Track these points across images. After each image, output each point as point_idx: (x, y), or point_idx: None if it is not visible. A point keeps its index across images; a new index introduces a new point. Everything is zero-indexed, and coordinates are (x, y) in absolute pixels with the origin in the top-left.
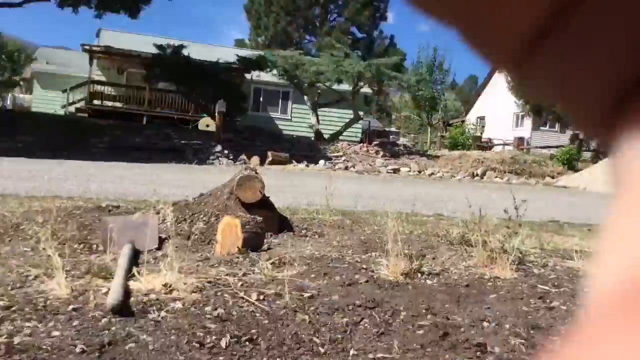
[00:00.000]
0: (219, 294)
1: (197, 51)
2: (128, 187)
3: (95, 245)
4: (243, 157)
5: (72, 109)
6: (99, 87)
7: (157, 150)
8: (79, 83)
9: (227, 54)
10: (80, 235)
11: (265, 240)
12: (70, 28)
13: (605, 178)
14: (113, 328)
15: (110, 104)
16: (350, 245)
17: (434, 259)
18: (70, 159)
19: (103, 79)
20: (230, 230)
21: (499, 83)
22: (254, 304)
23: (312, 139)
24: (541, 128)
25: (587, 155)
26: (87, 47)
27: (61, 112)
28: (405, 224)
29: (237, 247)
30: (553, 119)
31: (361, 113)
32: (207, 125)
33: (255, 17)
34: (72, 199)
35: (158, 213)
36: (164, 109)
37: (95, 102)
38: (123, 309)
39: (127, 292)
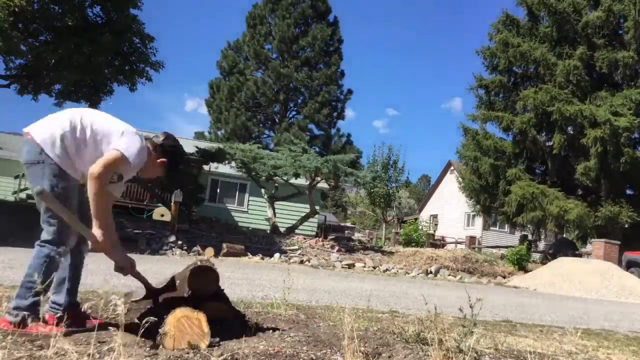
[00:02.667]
0: None
1: None
2: None
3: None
4: (197, 248)
5: (23, 195)
6: None
7: None
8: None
9: (187, 145)
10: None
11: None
12: (29, 115)
13: (553, 280)
14: None
15: None
16: (305, 341)
17: (389, 357)
18: (18, 246)
19: None
20: (182, 324)
21: (451, 183)
22: None
23: (268, 231)
24: (491, 228)
25: (536, 256)
26: None
27: (11, 198)
28: (361, 320)
29: (188, 342)
30: (502, 220)
31: (317, 207)
32: (162, 215)
33: (217, 112)
34: (16, 288)
35: (107, 305)
36: (119, 198)
37: None
38: None
39: None
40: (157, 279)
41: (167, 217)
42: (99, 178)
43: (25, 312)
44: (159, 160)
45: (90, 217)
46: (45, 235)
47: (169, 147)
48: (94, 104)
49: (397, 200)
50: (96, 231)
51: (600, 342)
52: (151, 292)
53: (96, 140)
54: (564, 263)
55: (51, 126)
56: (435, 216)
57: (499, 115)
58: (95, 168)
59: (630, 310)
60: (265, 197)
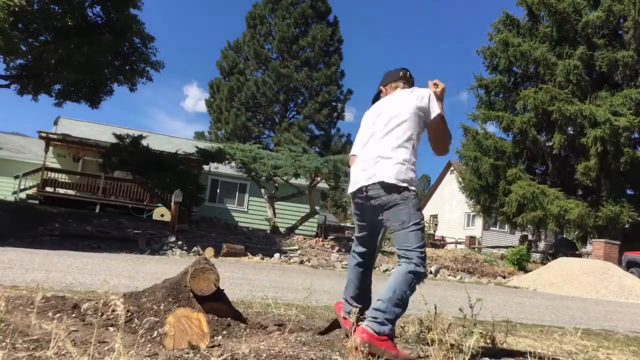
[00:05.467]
0: None
1: (156, 141)
2: (76, 276)
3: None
4: (197, 248)
5: (23, 195)
6: (52, 174)
7: (108, 239)
8: (32, 170)
9: (187, 145)
10: (23, 327)
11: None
12: (29, 115)
13: (553, 280)
14: None
15: (63, 191)
16: (305, 341)
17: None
18: (18, 246)
19: (58, 166)
20: (182, 324)
21: (451, 184)
22: None
23: (268, 231)
24: (491, 228)
25: (536, 256)
26: (43, 134)
27: (11, 198)
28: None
29: (188, 342)
30: (502, 220)
31: (317, 208)
32: (162, 215)
33: (217, 112)
34: (16, 288)
35: (106, 305)
36: (119, 198)
37: (48, 189)
38: None
39: None
40: (158, 279)
41: (167, 217)
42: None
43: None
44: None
45: None
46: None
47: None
48: (94, 104)
49: None
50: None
51: (600, 342)
52: None
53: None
54: (564, 263)
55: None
56: (435, 216)
57: (499, 115)
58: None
59: (630, 310)
60: (265, 197)
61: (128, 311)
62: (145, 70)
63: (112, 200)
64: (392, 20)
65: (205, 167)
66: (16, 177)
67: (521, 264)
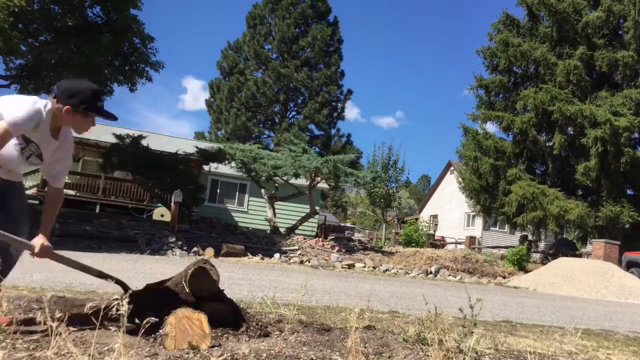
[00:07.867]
0: None
1: (156, 142)
2: (76, 276)
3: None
4: (197, 248)
5: None
6: None
7: (108, 240)
8: (32, 170)
9: (187, 145)
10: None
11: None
12: None
13: (553, 280)
14: None
15: None
16: (304, 341)
17: (390, 357)
18: None
19: None
20: (183, 325)
21: (451, 183)
22: None
23: (268, 231)
24: (491, 228)
25: (536, 256)
26: None
27: None
28: (361, 320)
29: (189, 343)
30: (502, 220)
31: (317, 208)
32: (162, 215)
33: (217, 112)
34: (16, 289)
35: (107, 305)
36: (119, 198)
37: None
38: None
39: None
40: (157, 280)
41: (167, 217)
42: None
43: None
44: (64, 110)
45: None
46: None
47: (63, 93)
48: None
49: (397, 200)
50: None
51: (600, 343)
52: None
53: None
54: (564, 263)
55: None
56: (435, 216)
57: (499, 115)
58: None
59: (630, 311)
60: (265, 197)
61: (134, 311)
62: (145, 70)
63: (112, 201)
64: (392, 20)
65: (205, 167)
66: None
67: (521, 264)
